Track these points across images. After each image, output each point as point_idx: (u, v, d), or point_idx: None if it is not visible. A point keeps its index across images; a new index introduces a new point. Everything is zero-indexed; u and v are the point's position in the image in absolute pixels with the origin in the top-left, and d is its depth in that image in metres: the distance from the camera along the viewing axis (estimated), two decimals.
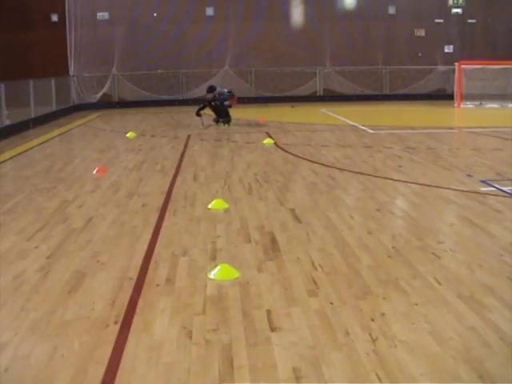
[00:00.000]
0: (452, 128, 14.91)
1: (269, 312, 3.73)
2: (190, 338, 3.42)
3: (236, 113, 15.18)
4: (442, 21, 22.91)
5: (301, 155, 10.05)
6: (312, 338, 3.38)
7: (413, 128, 13.85)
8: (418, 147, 10.78)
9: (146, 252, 4.99)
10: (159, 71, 21.77)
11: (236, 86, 22.29)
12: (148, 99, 21.61)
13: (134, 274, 4.47)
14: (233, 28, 21.93)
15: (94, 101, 21.31)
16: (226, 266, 4.47)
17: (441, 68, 22.77)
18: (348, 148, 10.88)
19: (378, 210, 6.32)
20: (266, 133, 13.11)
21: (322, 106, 19.91)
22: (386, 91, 22.68)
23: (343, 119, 16.13)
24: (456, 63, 20.30)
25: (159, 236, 5.47)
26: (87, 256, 4.93)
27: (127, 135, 13.06)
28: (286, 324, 3.57)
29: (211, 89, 14.91)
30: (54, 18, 21.65)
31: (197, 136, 12.99)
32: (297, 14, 22.76)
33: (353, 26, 22.23)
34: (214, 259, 4.77)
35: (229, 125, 14.52)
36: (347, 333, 3.43)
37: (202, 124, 14.32)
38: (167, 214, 6.30)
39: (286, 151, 10.58)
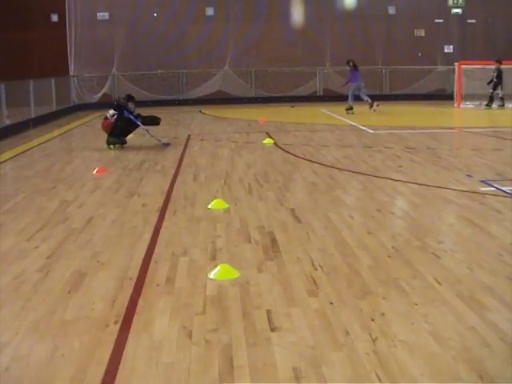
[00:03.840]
0: (452, 128, 14.90)
1: (269, 312, 3.73)
2: (190, 337, 3.42)
3: (236, 113, 15.18)
4: (441, 21, 22.91)
5: (301, 155, 10.05)
6: (312, 337, 3.39)
7: (413, 128, 13.85)
8: (417, 147, 10.78)
9: (146, 252, 4.99)
10: (159, 71, 21.77)
11: (236, 85, 22.38)
12: (148, 99, 21.56)
13: (134, 273, 4.47)
14: (233, 28, 21.93)
15: (94, 101, 21.29)
16: (226, 266, 4.47)
17: (441, 68, 22.76)
18: (348, 148, 10.88)
19: (378, 210, 6.32)
20: (266, 133, 13.10)
21: (322, 106, 19.91)
22: (386, 91, 22.66)
23: (343, 119, 16.13)
24: (456, 63, 20.29)
25: (159, 236, 5.47)
26: (87, 256, 4.93)
27: None
28: (285, 324, 3.57)
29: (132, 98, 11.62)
30: (54, 18, 21.65)
31: (197, 136, 12.99)
32: (297, 14, 22.74)
33: (353, 26, 22.22)
34: (213, 259, 4.77)
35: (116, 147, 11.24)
36: (347, 333, 3.43)
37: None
38: (167, 214, 6.30)
39: (286, 151, 10.58)
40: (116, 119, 11.03)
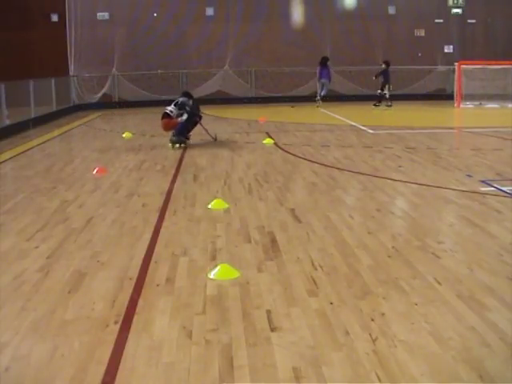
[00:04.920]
0: (452, 128, 14.90)
1: (269, 312, 3.74)
2: (190, 337, 3.42)
3: (236, 113, 15.16)
4: (441, 21, 22.88)
5: (301, 155, 10.05)
6: (312, 337, 3.39)
7: (413, 128, 13.85)
8: (417, 147, 10.78)
9: (146, 252, 4.99)
10: (159, 71, 21.75)
11: (236, 86, 22.36)
12: (148, 99, 21.56)
13: (134, 273, 4.48)
14: (233, 28, 21.91)
15: (94, 101, 21.28)
16: (226, 266, 4.47)
17: (441, 68, 22.74)
18: (348, 148, 10.87)
19: (378, 210, 6.32)
20: (266, 133, 13.10)
21: (321, 106, 19.90)
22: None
23: (343, 119, 16.13)
24: (456, 63, 20.29)
25: (159, 236, 5.47)
26: (87, 256, 4.93)
27: (123, 136, 13.04)
28: (286, 324, 3.57)
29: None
30: (54, 17, 21.62)
31: (197, 136, 12.97)
32: (297, 14, 22.73)
33: (353, 26, 22.19)
34: (214, 259, 4.77)
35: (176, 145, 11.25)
36: (347, 333, 3.43)
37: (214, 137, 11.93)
38: (167, 213, 6.30)
39: (286, 151, 10.58)
40: (187, 120, 11.13)
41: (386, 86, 19.48)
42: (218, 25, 21.87)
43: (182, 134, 11.19)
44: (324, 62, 19.92)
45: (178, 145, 11.17)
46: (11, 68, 19.11)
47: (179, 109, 11.17)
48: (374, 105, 19.60)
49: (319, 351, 3.23)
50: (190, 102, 11.40)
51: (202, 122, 11.72)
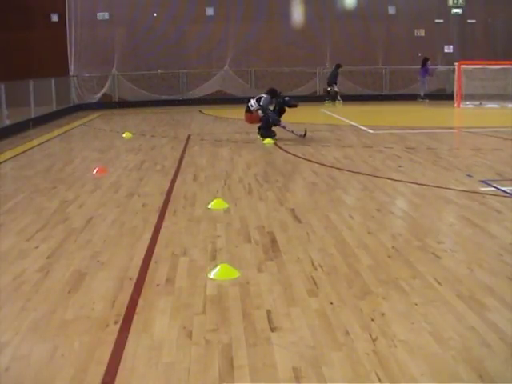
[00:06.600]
0: (452, 128, 14.90)
1: (269, 312, 3.74)
2: (190, 337, 3.42)
3: (236, 113, 15.15)
4: (441, 21, 22.88)
5: (301, 155, 10.05)
6: (312, 337, 3.39)
7: (413, 128, 13.85)
8: (417, 147, 10.78)
9: (146, 252, 5.00)
10: (159, 71, 21.76)
11: (236, 85, 22.36)
12: (148, 99, 21.59)
13: (134, 273, 4.48)
14: (233, 28, 21.92)
15: (94, 101, 21.29)
16: (226, 266, 4.47)
17: (441, 68, 22.75)
18: (348, 148, 10.87)
19: (378, 210, 6.32)
20: None
21: (322, 106, 19.91)
22: (386, 91, 22.65)
23: (343, 119, 16.13)
24: (456, 63, 20.28)
25: (159, 236, 5.47)
26: (87, 256, 4.93)
27: (123, 135, 13.04)
28: (286, 324, 3.57)
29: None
30: (54, 17, 21.64)
31: (197, 136, 12.98)
32: (297, 14, 22.73)
33: (353, 26, 22.19)
34: (214, 259, 4.77)
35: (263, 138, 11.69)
36: (347, 333, 3.43)
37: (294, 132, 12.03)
38: (167, 213, 6.30)
39: (286, 151, 10.58)
40: (269, 117, 11.64)
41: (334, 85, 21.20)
42: (218, 25, 21.87)
43: (266, 129, 11.69)
44: (424, 63, 21.34)
45: (272, 139, 11.60)
46: (11, 68, 19.12)
47: (259, 104, 11.59)
48: (327, 100, 21.07)
49: (319, 351, 3.23)
50: (273, 100, 11.74)
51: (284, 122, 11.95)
